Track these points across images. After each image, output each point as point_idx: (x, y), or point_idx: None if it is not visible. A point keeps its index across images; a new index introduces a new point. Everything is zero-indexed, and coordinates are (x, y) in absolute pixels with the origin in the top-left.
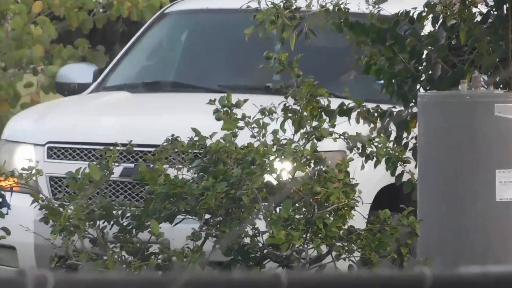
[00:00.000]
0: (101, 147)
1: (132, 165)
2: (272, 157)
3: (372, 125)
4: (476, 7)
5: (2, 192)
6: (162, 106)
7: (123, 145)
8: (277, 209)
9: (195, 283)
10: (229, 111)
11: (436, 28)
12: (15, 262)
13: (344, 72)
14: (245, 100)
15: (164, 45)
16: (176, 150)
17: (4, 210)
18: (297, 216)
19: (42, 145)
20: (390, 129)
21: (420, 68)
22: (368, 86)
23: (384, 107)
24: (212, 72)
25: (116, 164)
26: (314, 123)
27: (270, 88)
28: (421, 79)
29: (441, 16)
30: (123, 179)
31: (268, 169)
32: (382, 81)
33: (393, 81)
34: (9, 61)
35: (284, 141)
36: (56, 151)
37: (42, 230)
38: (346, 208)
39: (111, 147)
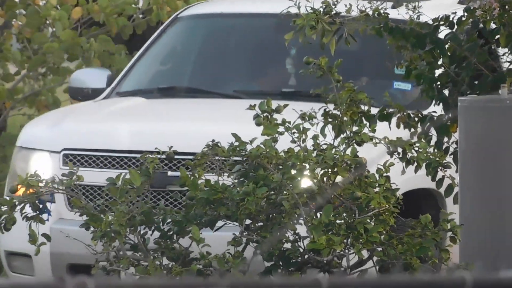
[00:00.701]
0: (119, 154)
1: None
2: (312, 162)
3: (412, 129)
4: None
5: (42, 199)
6: (178, 112)
7: (141, 152)
8: (318, 214)
9: None
10: (269, 117)
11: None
12: (30, 271)
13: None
14: (285, 105)
15: (178, 50)
16: (217, 156)
17: (44, 216)
18: (338, 221)
19: (57, 152)
20: (430, 134)
21: (460, 72)
22: (384, 91)
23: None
24: (227, 77)
25: (157, 170)
26: (354, 128)
27: (310, 93)
28: (462, 83)
29: (481, 20)
30: None
31: (309, 174)
32: (399, 86)
33: (433, 85)
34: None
35: (324, 146)
36: (72, 158)
37: (58, 239)
38: (387, 213)
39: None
